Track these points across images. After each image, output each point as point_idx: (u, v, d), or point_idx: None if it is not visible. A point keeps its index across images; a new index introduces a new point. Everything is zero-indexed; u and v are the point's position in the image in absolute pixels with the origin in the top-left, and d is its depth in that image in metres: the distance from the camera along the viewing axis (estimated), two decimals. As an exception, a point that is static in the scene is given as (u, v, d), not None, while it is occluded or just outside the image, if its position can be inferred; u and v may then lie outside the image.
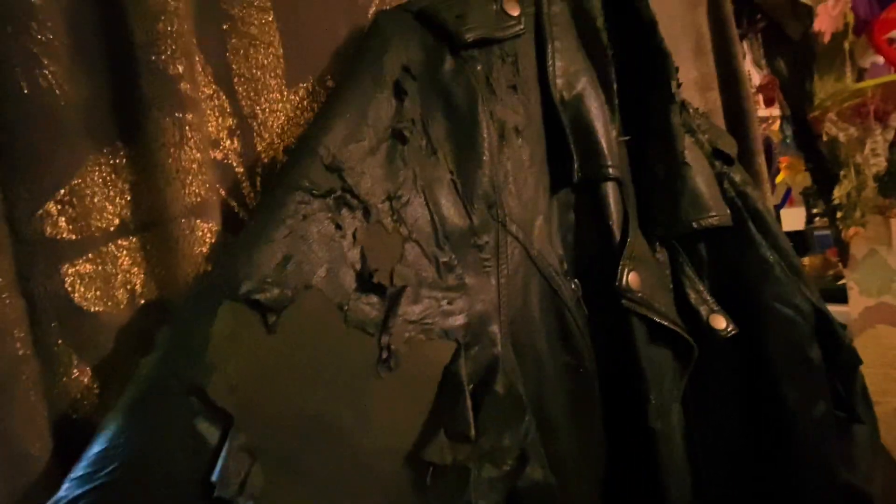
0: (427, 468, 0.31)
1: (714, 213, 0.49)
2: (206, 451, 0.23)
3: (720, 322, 0.47)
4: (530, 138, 0.42)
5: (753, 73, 1.25)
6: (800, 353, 0.48)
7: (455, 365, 0.34)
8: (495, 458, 0.34)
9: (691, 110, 0.55)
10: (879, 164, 1.44)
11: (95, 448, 0.23)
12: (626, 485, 0.44)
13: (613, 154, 0.44)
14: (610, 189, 0.44)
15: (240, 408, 0.24)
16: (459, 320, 0.36)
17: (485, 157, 0.39)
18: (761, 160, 0.76)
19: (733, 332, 0.47)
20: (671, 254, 0.49)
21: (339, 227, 0.32)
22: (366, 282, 0.32)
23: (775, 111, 1.32)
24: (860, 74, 1.38)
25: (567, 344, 0.42)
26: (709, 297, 0.48)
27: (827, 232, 1.43)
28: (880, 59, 1.38)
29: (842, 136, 1.44)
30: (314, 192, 0.31)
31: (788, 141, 1.47)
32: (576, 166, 0.43)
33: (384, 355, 0.32)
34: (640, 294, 0.42)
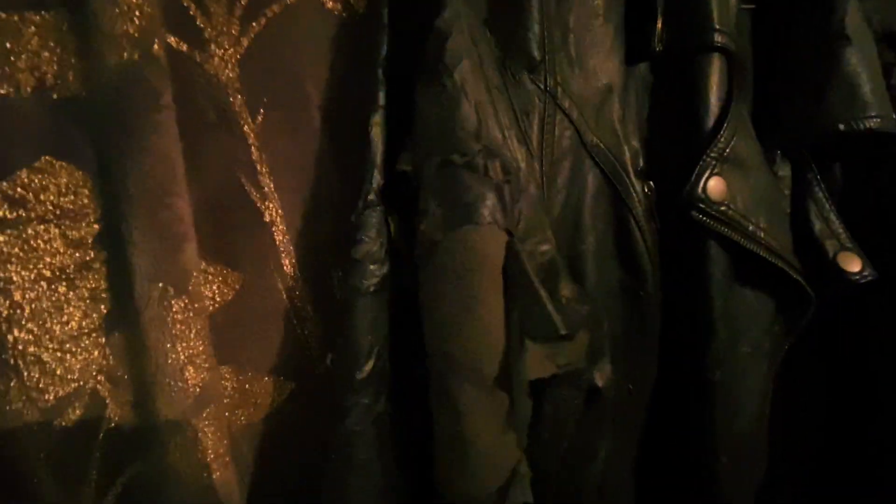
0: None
1: (875, 114, 0.34)
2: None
3: (853, 263, 0.34)
4: (607, -14, 0.32)
5: None
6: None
7: (517, 262, 0.28)
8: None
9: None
10: None
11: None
12: (672, 443, 0.35)
13: (726, 16, 0.33)
14: (713, 63, 0.32)
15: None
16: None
17: (531, 7, 0.30)
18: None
19: (870, 278, 0.34)
20: (797, 169, 0.37)
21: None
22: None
23: None
24: None
25: (626, 260, 0.33)
26: (841, 230, 0.35)
27: None
28: None
29: None
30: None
31: None
32: (658, 29, 0.32)
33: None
34: (723, 207, 0.31)
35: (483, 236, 0.27)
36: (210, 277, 0.27)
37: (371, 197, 0.29)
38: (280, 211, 0.28)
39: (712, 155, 0.31)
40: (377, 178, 0.29)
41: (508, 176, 0.28)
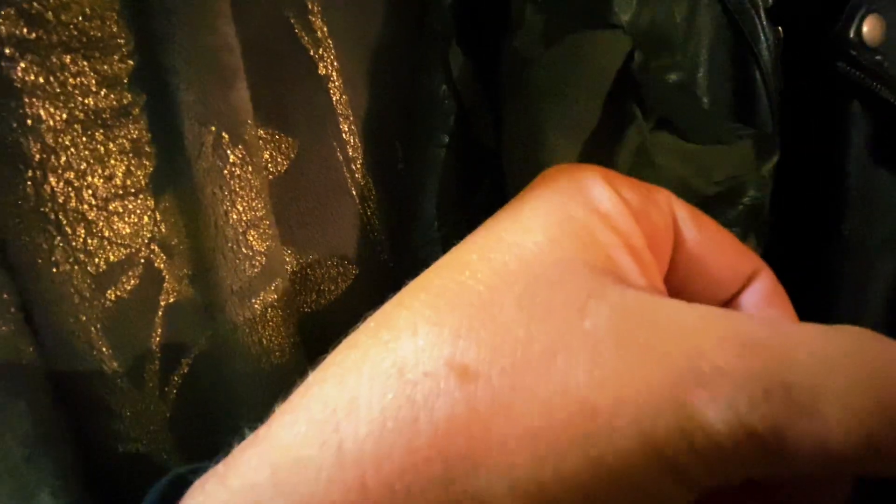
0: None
1: None
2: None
3: None
4: None
5: None
6: None
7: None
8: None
9: None
10: None
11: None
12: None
13: None
14: None
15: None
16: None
17: None
18: None
19: None
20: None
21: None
22: None
23: None
24: None
25: (745, 119, 0.29)
26: None
27: None
28: None
29: None
30: None
31: None
32: None
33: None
34: (878, 56, 0.26)
35: (600, 45, 0.22)
36: (262, 143, 0.24)
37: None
38: (336, 63, 0.25)
39: (871, -13, 0.26)
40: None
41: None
